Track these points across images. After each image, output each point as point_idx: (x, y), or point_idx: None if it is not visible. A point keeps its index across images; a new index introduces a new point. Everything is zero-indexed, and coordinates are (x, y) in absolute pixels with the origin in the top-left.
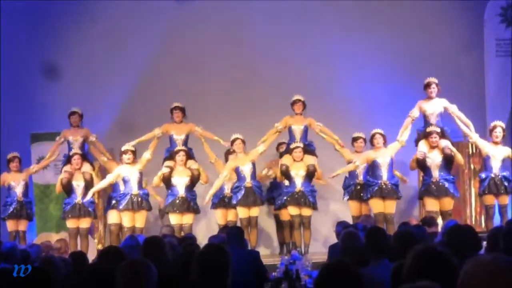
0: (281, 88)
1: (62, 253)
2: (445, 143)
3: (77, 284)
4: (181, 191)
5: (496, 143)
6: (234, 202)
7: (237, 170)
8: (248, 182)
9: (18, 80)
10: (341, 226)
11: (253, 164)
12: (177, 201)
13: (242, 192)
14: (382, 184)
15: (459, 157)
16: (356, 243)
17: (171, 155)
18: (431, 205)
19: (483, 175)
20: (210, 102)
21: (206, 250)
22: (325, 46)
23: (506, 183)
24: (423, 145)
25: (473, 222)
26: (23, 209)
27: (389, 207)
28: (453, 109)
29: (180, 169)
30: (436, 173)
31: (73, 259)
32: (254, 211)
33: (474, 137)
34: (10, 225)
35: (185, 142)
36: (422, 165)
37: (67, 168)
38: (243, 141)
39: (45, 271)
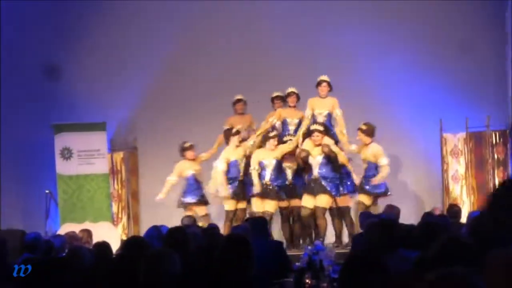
0: (300, 79)
1: (84, 243)
2: (327, 141)
3: (102, 274)
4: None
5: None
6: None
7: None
8: (242, 175)
9: (40, 70)
10: (365, 217)
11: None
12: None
13: (236, 184)
14: (264, 184)
15: (340, 156)
16: (379, 233)
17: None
18: (307, 202)
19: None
20: (226, 94)
21: (229, 241)
22: (345, 34)
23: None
24: (307, 143)
25: None
26: (203, 196)
27: (268, 206)
28: (338, 114)
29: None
30: (316, 171)
31: (97, 249)
32: (241, 205)
33: (345, 147)
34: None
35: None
36: (305, 162)
37: None
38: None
39: (69, 262)
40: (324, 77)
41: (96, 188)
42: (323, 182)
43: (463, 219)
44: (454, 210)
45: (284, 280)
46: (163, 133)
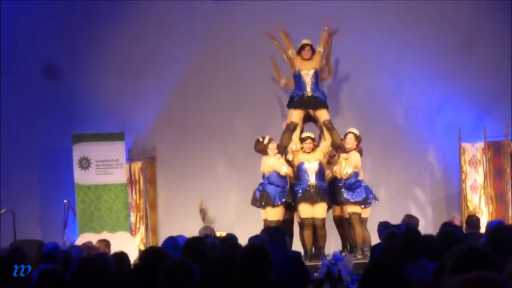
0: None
1: None
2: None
3: (120, 284)
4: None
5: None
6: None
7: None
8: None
9: (59, 80)
10: (383, 227)
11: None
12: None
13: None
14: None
15: (335, 134)
16: (398, 243)
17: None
18: (306, 212)
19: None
20: (246, 105)
21: (248, 251)
22: (362, 42)
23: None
24: (300, 154)
25: None
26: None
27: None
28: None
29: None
30: (312, 179)
31: (115, 259)
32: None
33: None
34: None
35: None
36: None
37: None
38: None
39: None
40: (306, 41)
41: (114, 198)
42: (320, 190)
43: (482, 229)
44: (473, 220)
45: None
46: (181, 143)
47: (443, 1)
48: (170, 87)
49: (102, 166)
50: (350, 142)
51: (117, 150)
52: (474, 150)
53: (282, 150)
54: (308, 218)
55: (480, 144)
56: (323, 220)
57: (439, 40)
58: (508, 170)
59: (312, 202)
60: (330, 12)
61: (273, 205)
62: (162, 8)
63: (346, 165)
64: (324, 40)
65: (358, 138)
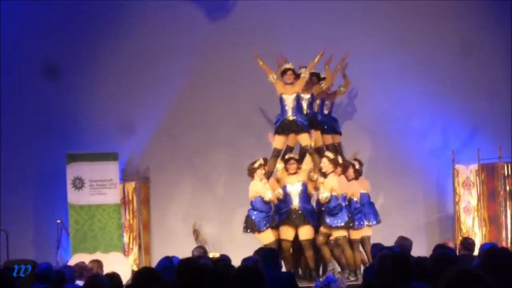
0: None
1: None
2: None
3: None
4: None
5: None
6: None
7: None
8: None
9: (53, 100)
10: (377, 249)
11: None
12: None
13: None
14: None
15: (315, 159)
16: (390, 266)
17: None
18: (287, 234)
19: None
20: (245, 119)
21: (241, 273)
22: (356, 64)
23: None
24: (283, 173)
25: (509, 245)
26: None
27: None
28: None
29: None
30: (296, 201)
31: (109, 280)
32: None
33: None
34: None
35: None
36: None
37: None
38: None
39: None
40: (288, 65)
41: (107, 218)
42: (304, 212)
43: (476, 252)
44: (468, 243)
45: None
46: (175, 164)
47: (437, 19)
48: (164, 107)
49: (95, 186)
50: (324, 166)
51: (111, 170)
52: (467, 172)
53: (268, 175)
54: (287, 240)
55: (474, 166)
56: (308, 241)
57: (433, 61)
58: (502, 192)
59: (295, 225)
60: (327, 33)
61: (259, 231)
62: (157, 28)
63: (323, 189)
64: (314, 65)
65: (332, 161)
